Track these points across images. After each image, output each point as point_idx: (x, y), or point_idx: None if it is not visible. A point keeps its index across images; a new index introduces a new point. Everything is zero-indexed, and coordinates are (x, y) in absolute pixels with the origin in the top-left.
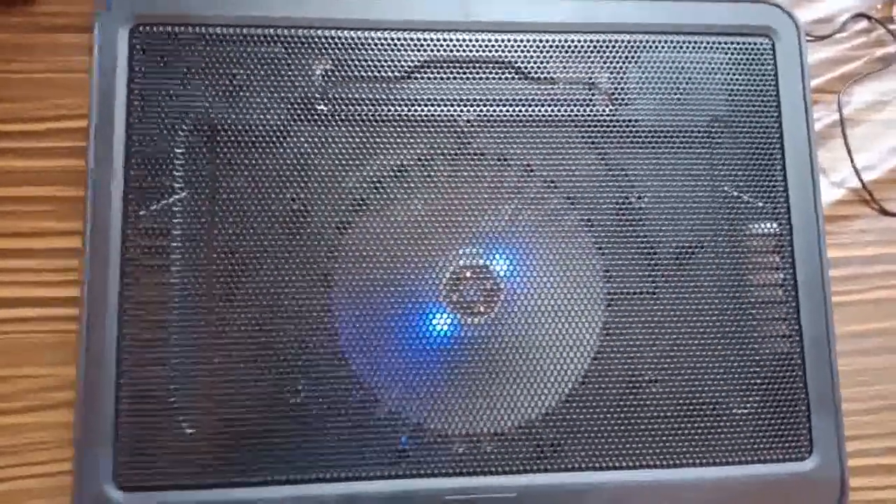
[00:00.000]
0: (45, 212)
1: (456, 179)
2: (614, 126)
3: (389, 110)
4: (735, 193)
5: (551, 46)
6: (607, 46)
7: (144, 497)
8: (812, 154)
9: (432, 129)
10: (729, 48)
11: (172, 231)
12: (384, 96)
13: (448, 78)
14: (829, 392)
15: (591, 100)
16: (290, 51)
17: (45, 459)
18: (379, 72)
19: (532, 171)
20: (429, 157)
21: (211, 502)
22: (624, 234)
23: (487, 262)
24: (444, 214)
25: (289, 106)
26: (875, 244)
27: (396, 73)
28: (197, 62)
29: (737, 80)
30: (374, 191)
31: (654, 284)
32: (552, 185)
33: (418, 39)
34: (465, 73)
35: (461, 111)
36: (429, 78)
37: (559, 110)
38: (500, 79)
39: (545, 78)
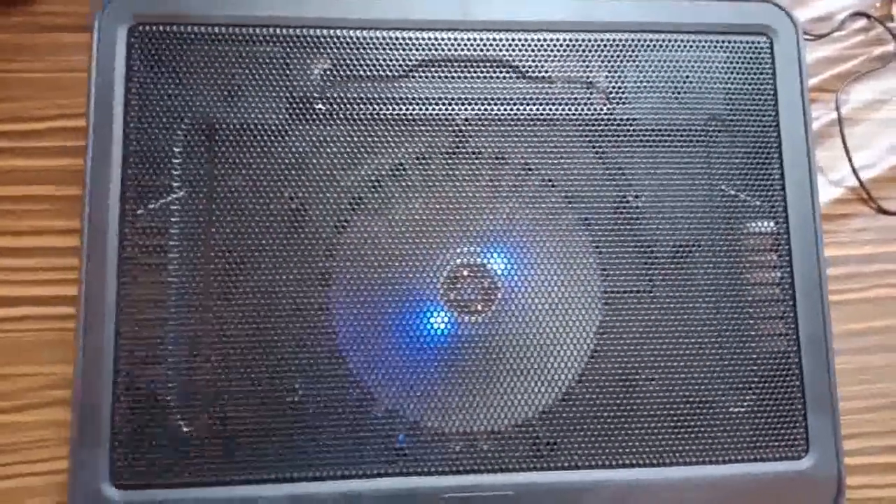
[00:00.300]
0: (44, 211)
1: (454, 178)
2: (612, 125)
3: (387, 109)
4: (732, 192)
5: (549, 45)
6: (605, 45)
7: (141, 495)
8: (810, 153)
9: (430, 128)
10: (727, 47)
11: (170, 230)
12: (382, 95)
13: (446, 77)
14: (825, 390)
15: (588, 99)
16: (288, 50)
17: (43, 458)
18: (377, 71)
19: (530, 169)
20: (427, 156)
21: (208, 500)
22: (621, 233)
23: (485, 261)
24: (442, 213)
25: (287, 105)
26: (873, 243)
27: (394, 73)
28: (195, 61)
29: (734, 79)
30: (372, 190)
31: (651, 283)
32: (550, 183)
33: (416, 38)
34: (463, 72)
35: (459, 110)
36: (427, 77)
37: (557, 109)
38: (497, 78)
39: (543, 77)
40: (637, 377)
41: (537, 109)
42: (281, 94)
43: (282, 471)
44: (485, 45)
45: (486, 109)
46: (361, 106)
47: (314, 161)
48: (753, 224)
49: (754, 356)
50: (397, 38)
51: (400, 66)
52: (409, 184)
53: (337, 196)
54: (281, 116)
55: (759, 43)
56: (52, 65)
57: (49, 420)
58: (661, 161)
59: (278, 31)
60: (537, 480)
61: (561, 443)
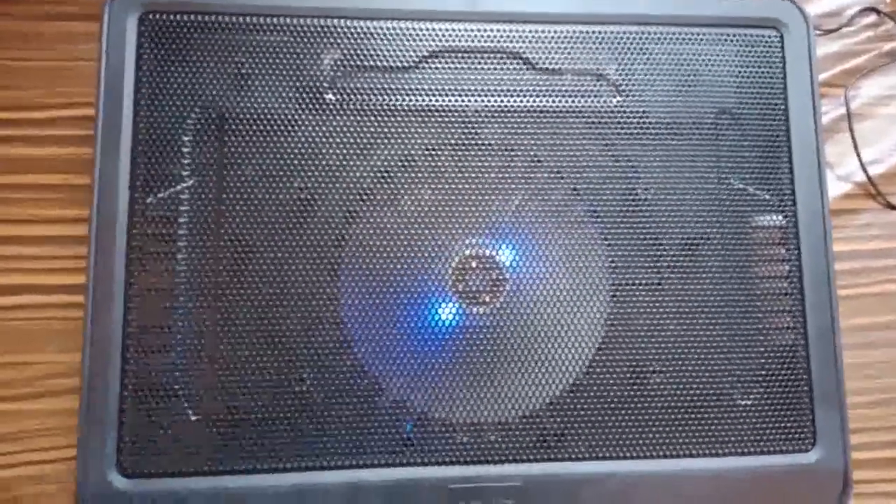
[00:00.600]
0: (53, 199)
1: (463, 170)
2: (621, 117)
3: (397, 100)
4: (741, 185)
5: (559, 37)
6: (615, 37)
7: (148, 484)
8: (819, 147)
9: (440, 120)
10: (737, 40)
11: (179, 219)
12: (392, 86)
13: (456, 68)
14: (833, 384)
15: (598, 91)
16: (298, 40)
17: (50, 446)
18: (387, 61)
19: (539, 161)
20: (436, 148)
21: (215, 489)
22: (630, 226)
23: (493, 252)
24: (451, 204)
25: (297, 95)
26: (880, 238)
27: (404, 63)
28: (205, 50)
29: (744, 72)
30: (382, 180)
31: (659, 276)
32: (559, 175)
33: (426, 29)
34: (472, 63)
35: (469, 101)
36: (437, 68)
37: (566, 101)
38: (507, 69)
39: (553, 69)
40: (645, 369)
41: (547, 101)
42: (291, 83)
43: (289, 460)
44: (495, 36)
45: (495, 101)
46: (371, 96)
47: (324, 151)
48: (762, 218)
49: (762, 349)
50: (407, 29)
51: (410, 56)
52: (419, 175)
53: (346, 186)
54: (291, 106)
55: (769, 37)
56: (61, 54)
57: (56, 409)
58: (671, 154)
59: (288, 20)
60: (545, 471)
61: (568, 434)
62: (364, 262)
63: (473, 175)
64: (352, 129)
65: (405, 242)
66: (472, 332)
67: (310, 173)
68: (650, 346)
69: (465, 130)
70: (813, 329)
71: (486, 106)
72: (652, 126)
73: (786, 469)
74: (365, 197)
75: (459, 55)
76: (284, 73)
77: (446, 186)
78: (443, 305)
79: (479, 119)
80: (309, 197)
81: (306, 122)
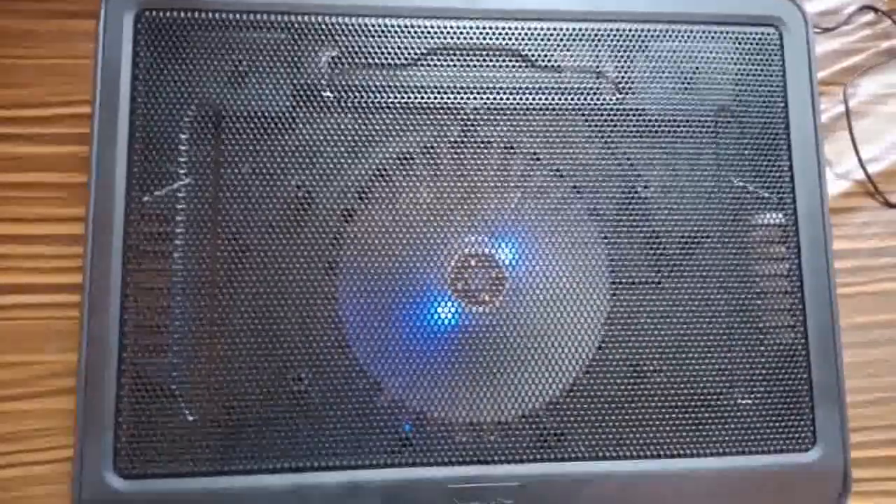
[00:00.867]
0: (51, 198)
1: (461, 167)
2: (621, 115)
3: (395, 98)
4: (741, 183)
5: (558, 34)
6: (614, 35)
7: (145, 484)
8: (818, 145)
9: (438, 117)
10: (736, 38)
11: (176, 217)
12: (390, 84)
13: (454, 66)
14: (833, 383)
15: (597, 89)
16: (295, 37)
17: (47, 446)
18: (385, 59)
19: (538, 159)
20: (434, 146)
21: (212, 490)
22: (629, 224)
23: (492, 251)
24: (450, 203)
25: (294, 93)
26: (880, 236)
27: (403, 61)
28: (202, 48)
29: (744, 70)
30: (380, 178)
31: (659, 274)
32: (558, 174)
33: (424, 27)
34: (471, 60)
35: (467, 99)
36: (435, 65)
37: (566, 99)
38: (506, 67)
39: (551, 66)
40: (644, 368)
41: (546, 99)
42: (288, 81)
43: (287, 460)
44: (493, 33)
45: (494, 99)
46: (369, 94)
47: (321, 149)
48: (762, 216)
49: (762, 348)
50: (405, 26)
51: (408, 54)
52: (417, 173)
53: (344, 185)
54: (288, 104)
55: (768, 34)
56: (60, 51)
57: (53, 409)
58: (670, 151)
59: (286, 17)
60: (544, 471)
61: (568, 434)
62: (362, 260)
63: (472, 173)
64: (349, 127)
65: (403, 241)
66: (470, 331)
67: (307, 171)
68: (650, 345)
69: (464, 128)
70: (813, 328)
71: (485, 103)
72: (651, 124)
73: (786, 468)
74: (363, 195)
75: (458, 52)
76: (281, 70)
77: (445, 184)
78: (441, 304)
79: (478, 117)
80: (306, 195)
81: (303, 120)
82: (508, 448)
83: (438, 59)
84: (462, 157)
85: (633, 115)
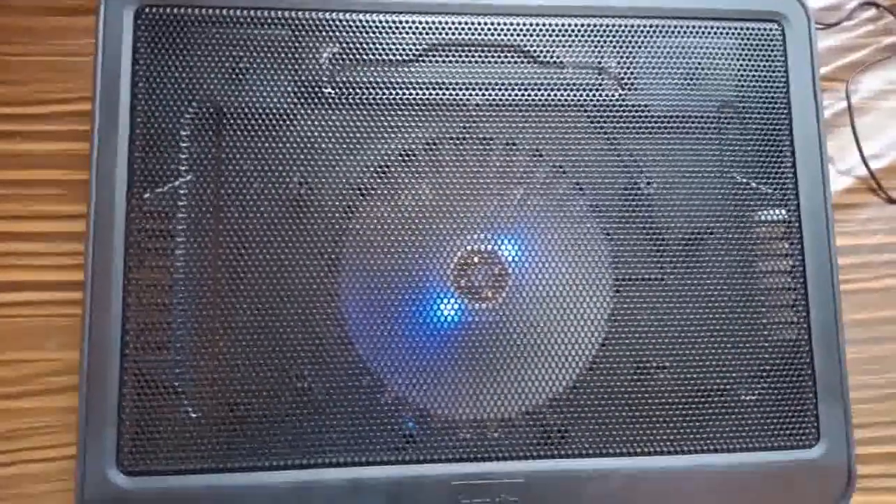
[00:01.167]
0: (50, 195)
1: (463, 164)
2: (623, 111)
3: (397, 94)
4: (744, 180)
5: (560, 30)
6: (616, 31)
7: (148, 481)
8: (821, 141)
9: (440, 114)
10: (738, 34)
11: (177, 214)
12: (392, 80)
13: (456, 61)
14: (836, 380)
15: (600, 84)
16: (296, 33)
17: (50, 444)
18: (386, 55)
19: (540, 155)
20: (436, 142)
21: (215, 487)
22: (632, 220)
23: (495, 248)
24: (452, 199)
25: (295, 89)
26: (882, 233)
27: (404, 57)
28: (202, 44)
29: (746, 65)
30: (381, 175)
31: (662, 271)
32: (560, 170)
33: (426, 22)
34: (473, 56)
35: (469, 95)
36: (437, 61)
37: (568, 95)
38: (508, 63)
39: (554, 62)
40: (648, 365)
41: (548, 95)
42: (289, 77)
43: (290, 457)
44: (495, 29)
45: (496, 95)
46: (370, 90)
47: (322, 146)
48: (765, 212)
49: (765, 344)
50: (407, 22)
51: (410, 50)
52: (419, 169)
53: (345, 182)
54: (289, 100)
55: (770, 30)
56: (59, 48)
57: (55, 406)
58: (673, 148)
59: (286, 13)
60: (547, 468)
61: (572, 430)
62: (364, 257)
63: (474, 170)
64: (351, 124)
65: (406, 237)
66: (474, 328)
67: (308, 168)
68: (653, 341)
69: (466, 124)
70: (816, 324)
71: (487, 100)
72: (654, 120)
73: (790, 464)
74: (364, 192)
75: (460, 48)
76: (282, 67)
77: (447, 181)
78: (444, 301)
79: (480, 113)
80: (308, 192)
81: (305, 117)
82: (512, 445)
83: (440, 56)
84: (464, 153)
85: (636, 112)
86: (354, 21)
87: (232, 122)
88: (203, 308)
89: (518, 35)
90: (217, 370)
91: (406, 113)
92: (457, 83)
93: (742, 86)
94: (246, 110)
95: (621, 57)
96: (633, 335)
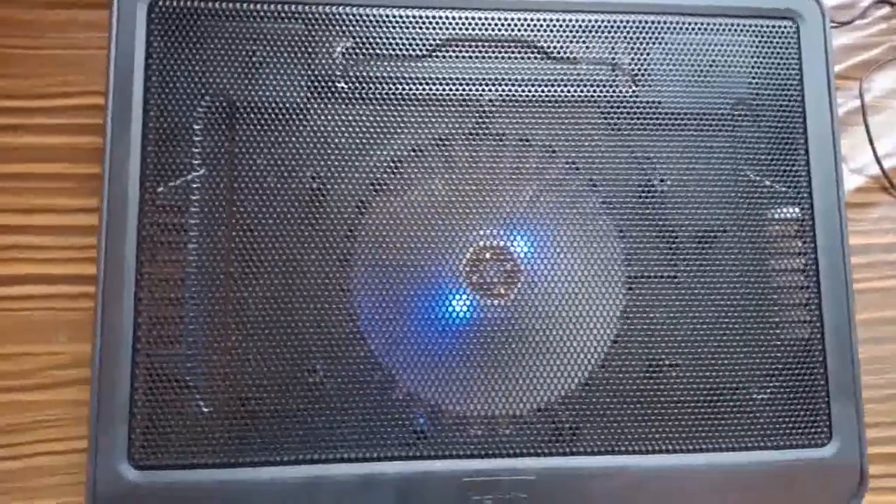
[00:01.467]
0: (60, 189)
1: (476, 160)
2: (637, 108)
3: (410, 89)
4: (757, 178)
5: (574, 26)
6: (630, 27)
7: (159, 476)
8: (835, 139)
9: (453, 109)
10: (753, 31)
11: (190, 208)
12: (405, 75)
13: (470, 57)
14: (849, 379)
15: (613, 81)
16: (310, 28)
17: (60, 437)
18: (400, 50)
19: (553, 152)
20: (449, 137)
21: (226, 482)
22: (645, 217)
23: (508, 244)
24: (465, 195)
25: (309, 83)
26: (893, 232)
27: (418, 52)
28: (215, 38)
29: (760, 63)
30: (394, 170)
31: (675, 268)
32: (573, 166)
33: (440, 17)
34: (486, 52)
35: (482, 91)
36: (450, 57)
37: (581, 91)
38: (522, 58)
39: (567, 58)
40: (660, 363)
41: (561, 91)
42: (302, 72)
43: (301, 452)
44: (509, 24)
45: (509, 91)
46: (384, 85)
47: (335, 141)
48: (778, 210)
49: (778, 343)
50: (421, 17)
51: (423, 45)
52: (432, 165)
53: (358, 176)
54: (302, 95)
55: (785, 28)
56: (71, 42)
57: (66, 399)
58: (686, 145)
59: (300, 7)
60: (559, 465)
61: (583, 428)
62: (376, 253)
63: (487, 165)
64: (364, 119)
65: (418, 233)
66: (485, 324)
67: (321, 163)
68: (665, 339)
69: (479, 120)
70: (829, 323)
71: (500, 96)
72: (667, 116)
73: (801, 463)
74: (377, 187)
75: (473, 44)
76: (296, 61)
77: (459, 177)
78: (456, 297)
79: (493, 109)
80: (321, 187)
81: (318, 111)
82: (523, 441)
83: (454, 51)
84: (477, 149)
85: (650, 108)
86: (368, 15)
87: (245, 116)
88: (215, 303)
89: (531, 31)
90: (229, 365)
91: (419, 108)
92: (470, 79)
93: (756, 83)
94: (259, 104)
95: (635, 53)
96: (646, 333)
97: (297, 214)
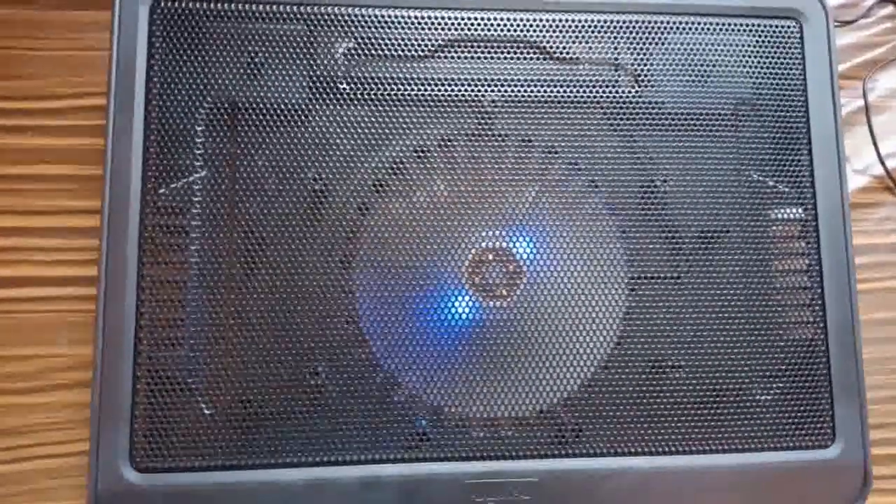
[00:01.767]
0: (62, 190)
1: (478, 161)
2: (639, 108)
3: (412, 90)
4: (760, 178)
5: (576, 26)
6: (632, 27)
7: (161, 478)
8: (839, 139)
9: (455, 110)
10: (756, 31)
11: (192, 210)
12: (407, 76)
13: (472, 58)
14: (853, 379)
15: (615, 81)
16: (312, 29)
17: (62, 440)
18: (402, 51)
19: (555, 152)
20: (451, 139)
21: (228, 484)
22: (648, 218)
23: (510, 245)
24: (467, 196)
25: (310, 85)
26: None
27: (419, 53)
28: (217, 39)
29: (763, 63)
30: (396, 172)
31: (677, 269)
32: (575, 167)
33: (442, 18)
34: (489, 52)
35: (484, 92)
36: (452, 57)
37: (584, 91)
38: (523, 59)
39: (570, 58)
40: (663, 364)
41: (564, 91)
42: (304, 73)
43: (303, 454)
44: (511, 25)
45: (511, 91)
46: (386, 86)
47: (337, 142)
48: (781, 210)
49: (781, 344)
50: (422, 18)
51: (425, 46)
52: (434, 166)
53: (360, 178)
54: (304, 96)
55: (788, 27)
56: (73, 43)
57: (68, 402)
58: (689, 145)
59: (302, 8)
60: (562, 467)
61: (585, 429)
62: (378, 254)
63: (489, 166)
64: (366, 120)
65: (420, 235)
66: (488, 326)
67: (323, 164)
68: (668, 340)
69: (481, 121)
70: (832, 323)
71: (502, 96)
72: (670, 117)
73: (805, 464)
74: (379, 188)
75: (475, 44)
76: (298, 62)
77: (462, 178)
78: (458, 299)
79: (495, 110)
80: (322, 188)
81: (320, 113)
82: (525, 443)
83: (455, 51)
84: (479, 150)
85: (652, 108)
86: (370, 16)
87: (247, 117)
88: (217, 304)
89: (533, 31)
90: (230, 367)
91: (421, 109)
92: (472, 79)
93: (759, 83)
94: (261, 106)
95: (637, 53)
96: (648, 334)
97: (299, 216)
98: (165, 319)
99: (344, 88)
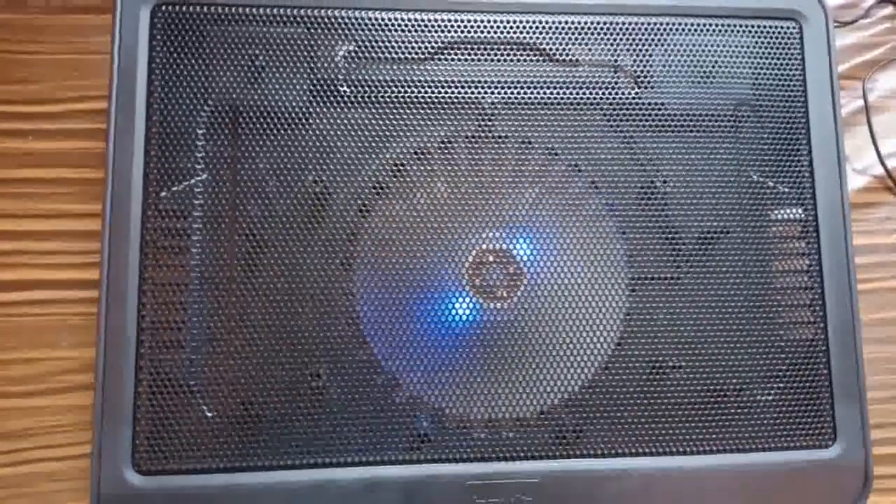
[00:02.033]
0: (64, 194)
1: (478, 163)
2: (639, 109)
3: (412, 92)
4: (760, 178)
5: (576, 28)
6: (632, 29)
7: (163, 481)
8: (839, 140)
9: (455, 112)
10: (756, 32)
11: (193, 213)
12: (407, 78)
13: (472, 60)
14: (853, 379)
15: (615, 83)
16: (312, 31)
17: (64, 442)
18: (402, 53)
19: (556, 154)
20: (451, 141)
21: (230, 486)
22: (648, 219)
23: (510, 247)
24: (467, 198)
25: (311, 87)
26: None
27: (420, 55)
28: (218, 43)
29: (763, 64)
30: (396, 174)
31: (678, 270)
32: (576, 168)
33: (442, 20)
34: (489, 54)
35: (484, 94)
36: (452, 60)
37: (583, 93)
38: (524, 61)
39: (569, 60)
40: (663, 365)
41: (563, 93)
42: (305, 76)
43: (305, 456)
44: (511, 27)
45: (512, 93)
46: (386, 89)
47: (338, 144)
48: (781, 211)
49: (782, 344)
50: (422, 20)
51: (425, 48)
52: (434, 168)
53: (361, 180)
54: (304, 99)
55: (788, 28)
56: (74, 46)
57: (70, 405)
58: (689, 146)
59: (302, 11)
60: (562, 468)
61: (586, 430)
62: (379, 256)
63: (489, 168)
64: (366, 122)
65: (420, 236)
66: (488, 327)
67: (324, 167)
68: (669, 341)
69: (481, 123)
70: (833, 323)
71: (502, 98)
72: (670, 118)
73: (806, 464)
74: (380, 190)
75: (475, 46)
76: (298, 65)
77: (462, 180)
78: (459, 300)
79: (495, 111)
80: (323, 191)
81: (320, 115)
82: (527, 445)
83: (455, 54)
84: (479, 152)
85: (652, 110)
86: (370, 19)
87: (248, 120)
88: (218, 307)
89: (533, 33)
90: (232, 369)
91: (421, 111)
92: (472, 81)
93: (759, 84)
94: (262, 108)
95: (637, 55)
96: (649, 335)
97: (300, 218)
98: (167, 322)
99: (344, 91)
